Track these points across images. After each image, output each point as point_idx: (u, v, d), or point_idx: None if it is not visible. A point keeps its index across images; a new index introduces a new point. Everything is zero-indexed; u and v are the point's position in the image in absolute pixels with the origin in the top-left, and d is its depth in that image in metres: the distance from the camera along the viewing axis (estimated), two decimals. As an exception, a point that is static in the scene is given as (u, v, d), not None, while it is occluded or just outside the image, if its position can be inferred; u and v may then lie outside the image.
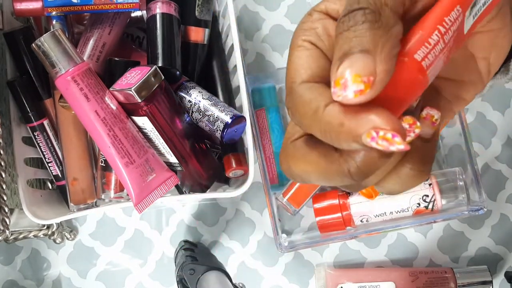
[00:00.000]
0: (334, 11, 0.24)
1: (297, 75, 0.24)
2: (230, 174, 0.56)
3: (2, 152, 0.52)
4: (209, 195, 0.55)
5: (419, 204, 0.57)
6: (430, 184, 0.57)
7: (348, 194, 0.59)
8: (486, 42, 0.28)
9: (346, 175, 0.22)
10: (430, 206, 0.57)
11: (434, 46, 0.21)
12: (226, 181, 0.59)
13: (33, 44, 0.47)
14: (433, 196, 0.57)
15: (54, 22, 0.52)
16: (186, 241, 0.64)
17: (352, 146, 0.21)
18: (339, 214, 0.59)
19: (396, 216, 0.58)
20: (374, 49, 0.20)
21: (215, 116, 0.51)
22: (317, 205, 0.60)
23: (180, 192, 0.56)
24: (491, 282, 0.61)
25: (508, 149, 0.66)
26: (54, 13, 0.50)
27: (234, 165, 0.55)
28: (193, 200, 0.65)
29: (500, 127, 0.67)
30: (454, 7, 0.22)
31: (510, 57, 0.35)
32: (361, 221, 0.59)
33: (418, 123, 0.21)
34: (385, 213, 0.58)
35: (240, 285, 0.54)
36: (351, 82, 0.20)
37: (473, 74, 0.29)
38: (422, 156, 0.24)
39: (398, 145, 0.20)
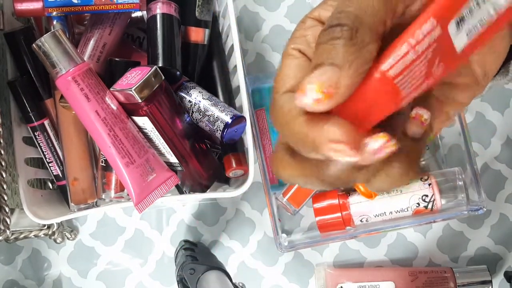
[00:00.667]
0: (327, 19, 0.25)
1: (281, 84, 0.24)
2: (230, 174, 0.56)
3: (2, 152, 0.52)
4: (209, 195, 0.56)
5: (418, 204, 0.57)
6: (429, 184, 0.57)
7: (348, 194, 0.59)
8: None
9: (324, 183, 0.23)
10: (429, 206, 0.57)
11: (403, 57, 0.22)
12: (226, 181, 0.59)
13: (33, 45, 0.47)
14: (432, 196, 0.57)
15: (54, 22, 0.52)
16: (186, 241, 0.65)
17: (318, 156, 0.22)
18: (338, 214, 0.59)
19: (395, 216, 0.58)
20: (343, 64, 0.21)
21: (215, 116, 0.51)
22: (317, 205, 0.60)
23: (180, 192, 0.56)
24: (490, 282, 0.61)
25: (507, 149, 0.66)
26: (54, 13, 0.50)
27: (234, 165, 0.55)
28: (193, 200, 0.65)
29: (500, 127, 0.67)
30: (427, 19, 0.22)
31: (509, 59, 0.35)
32: (360, 221, 0.59)
33: (393, 141, 0.21)
34: (384, 213, 0.58)
35: (240, 284, 0.54)
36: (314, 91, 0.21)
37: (467, 77, 0.29)
38: (410, 155, 0.24)
39: (351, 157, 0.21)
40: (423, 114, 0.24)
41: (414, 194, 0.57)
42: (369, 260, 0.66)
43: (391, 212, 0.58)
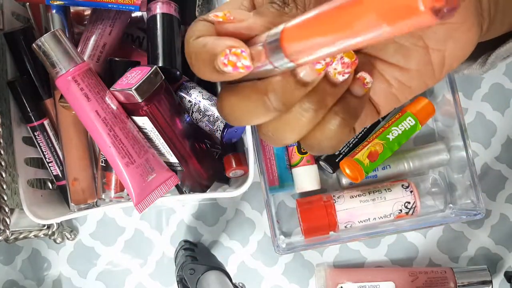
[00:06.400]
0: None
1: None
2: (230, 174, 0.56)
3: (2, 152, 0.52)
4: (209, 195, 0.55)
5: (401, 210, 0.60)
6: (411, 192, 0.60)
7: (334, 201, 0.60)
8: (441, 34, 0.28)
9: (266, 106, 0.26)
10: (410, 212, 0.60)
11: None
12: (226, 181, 0.59)
13: (33, 44, 0.47)
14: (414, 202, 0.60)
15: (53, 11, 0.51)
16: (186, 241, 0.65)
17: (212, 72, 0.25)
18: (324, 220, 0.59)
19: (378, 222, 0.60)
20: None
21: (215, 116, 0.51)
22: (303, 211, 0.60)
23: (180, 192, 0.56)
24: (490, 282, 0.61)
25: (507, 149, 0.66)
26: (55, 2, 0.49)
27: (234, 165, 0.55)
28: (193, 200, 0.65)
29: (500, 127, 0.67)
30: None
31: (488, 50, 0.35)
32: (345, 226, 0.60)
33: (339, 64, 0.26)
34: (368, 219, 0.60)
35: (240, 285, 0.54)
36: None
37: (421, 64, 0.29)
38: (352, 109, 0.28)
39: (244, 60, 0.24)
40: (366, 77, 0.28)
41: (398, 201, 0.60)
42: (369, 260, 0.66)
43: (374, 219, 0.60)
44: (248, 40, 0.26)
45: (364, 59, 0.29)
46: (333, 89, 0.27)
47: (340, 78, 0.26)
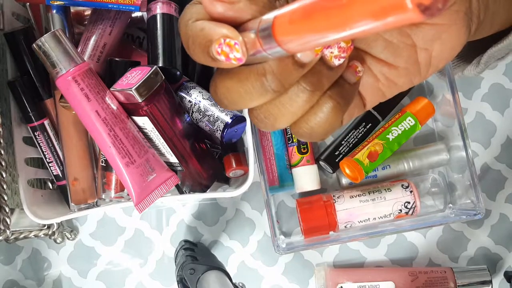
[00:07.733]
0: None
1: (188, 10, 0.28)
2: (230, 174, 0.56)
3: (2, 152, 0.52)
4: (209, 195, 0.56)
5: (401, 210, 0.60)
6: (411, 191, 0.60)
7: (334, 201, 0.60)
8: (430, 34, 0.28)
9: (264, 86, 0.26)
10: (410, 212, 0.60)
11: None
12: (226, 181, 0.59)
13: (34, 44, 0.47)
14: (414, 202, 0.60)
15: (54, 11, 0.51)
16: (186, 241, 0.65)
17: (207, 57, 0.25)
18: (324, 220, 0.59)
19: (378, 222, 0.60)
20: None
21: (215, 116, 0.51)
22: (303, 211, 0.60)
23: (180, 192, 0.56)
24: (490, 282, 0.61)
25: (507, 149, 0.66)
26: (55, 2, 0.49)
27: (234, 165, 0.55)
28: (193, 200, 0.65)
29: (500, 127, 0.67)
30: None
31: (482, 52, 0.35)
32: (345, 226, 0.60)
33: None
34: (368, 219, 0.60)
35: (240, 284, 0.54)
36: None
37: (409, 62, 0.29)
38: (346, 94, 0.28)
39: (236, 53, 0.24)
40: (358, 65, 0.29)
41: (397, 201, 0.60)
42: (369, 260, 0.66)
43: (374, 218, 0.60)
44: (240, 25, 0.26)
45: (355, 52, 0.30)
46: (329, 72, 0.27)
47: (336, 62, 0.27)
